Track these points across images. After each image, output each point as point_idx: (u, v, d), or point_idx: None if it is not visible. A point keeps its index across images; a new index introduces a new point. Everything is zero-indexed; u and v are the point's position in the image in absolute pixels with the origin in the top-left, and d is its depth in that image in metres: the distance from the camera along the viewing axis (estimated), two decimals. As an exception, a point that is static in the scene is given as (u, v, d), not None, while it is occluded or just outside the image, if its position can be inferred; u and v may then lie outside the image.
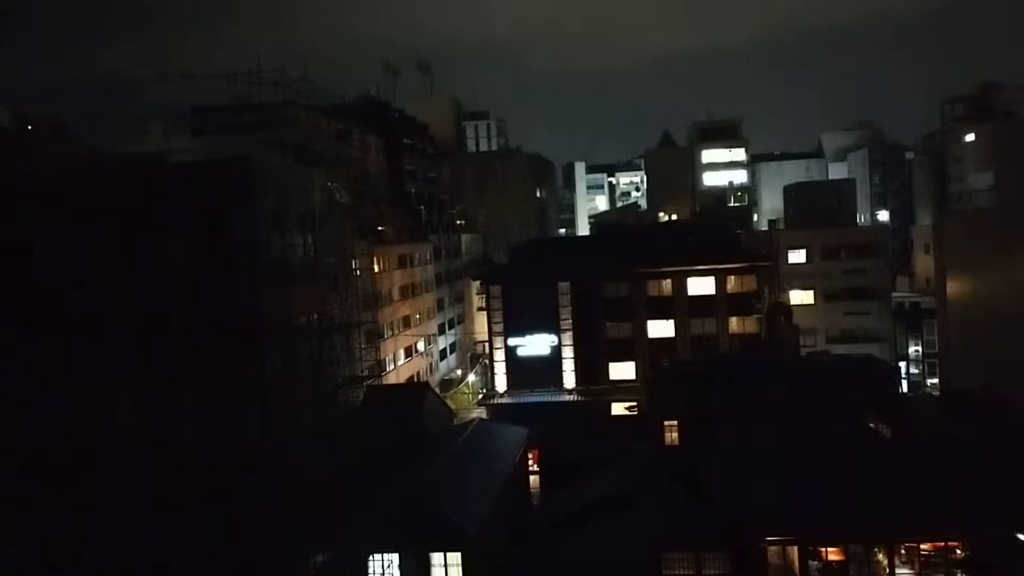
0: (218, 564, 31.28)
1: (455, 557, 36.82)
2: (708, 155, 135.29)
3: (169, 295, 32.08)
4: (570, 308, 76.12)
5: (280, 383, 33.07)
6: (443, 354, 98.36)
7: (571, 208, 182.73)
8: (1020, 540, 34.45)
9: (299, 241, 35.80)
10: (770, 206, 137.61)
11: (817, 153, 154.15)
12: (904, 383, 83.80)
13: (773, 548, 36.09)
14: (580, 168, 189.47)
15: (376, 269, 73.99)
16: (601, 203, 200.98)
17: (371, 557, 36.80)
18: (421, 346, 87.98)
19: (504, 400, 75.22)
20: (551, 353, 76.09)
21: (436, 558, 37.02)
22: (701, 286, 75.66)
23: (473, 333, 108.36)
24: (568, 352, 76.14)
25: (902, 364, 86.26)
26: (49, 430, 32.49)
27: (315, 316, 36.94)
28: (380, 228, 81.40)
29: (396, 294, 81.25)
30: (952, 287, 78.66)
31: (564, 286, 76.21)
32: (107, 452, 32.33)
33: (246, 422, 32.00)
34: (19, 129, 69.28)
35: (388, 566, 36.98)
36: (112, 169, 34.90)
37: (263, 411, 32.17)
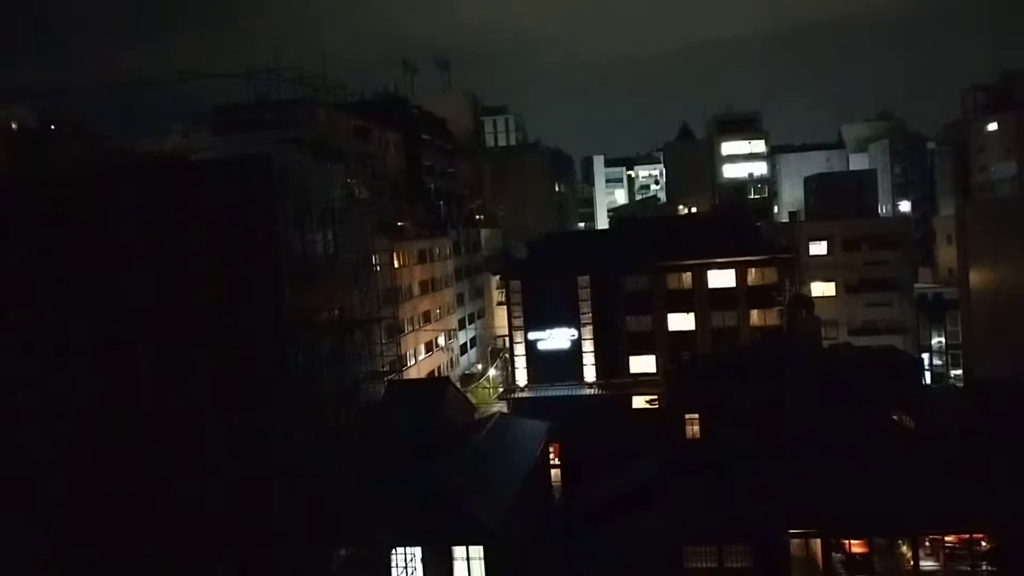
0: (242, 560, 31.53)
1: (477, 551, 36.96)
2: (727, 147, 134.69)
3: (190, 292, 32.30)
4: (590, 302, 76.06)
5: (302, 379, 33.22)
6: (463, 349, 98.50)
7: (590, 202, 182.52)
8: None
9: (319, 237, 35.87)
10: (790, 198, 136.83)
11: (838, 144, 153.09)
12: (927, 375, 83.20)
13: (796, 541, 36.04)
14: (599, 162, 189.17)
15: (396, 265, 74.09)
16: (620, 196, 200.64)
17: (394, 551, 36.98)
18: (441, 341, 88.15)
19: (525, 394, 75.30)
20: (571, 347, 76.08)
21: (458, 552, 37.19)
22: (721, 279, 75.42)
23: (493, 327, 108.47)
24: (588, 346, 76.10)
25: (925, 356, 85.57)
26: (71, 427, 32.85)
27: (336, 312, 37.02)
28: (399, 224, 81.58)
29: (416, 289, 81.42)
30: (975, 278, 78.04)
31: (584, 280, 76.16)
32: (129, 451, 32.64)
33: (268, 418, 32.20)
34: (43, 128, 69.94)
35: (411, 560, 37.16)
36: (133, 167, 35.18)
37: (285, 407, 32.34)
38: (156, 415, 32.36)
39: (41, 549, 32.66)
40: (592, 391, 74.75)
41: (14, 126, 75.76)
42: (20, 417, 33.44)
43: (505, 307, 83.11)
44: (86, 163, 40.01)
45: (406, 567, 36.95)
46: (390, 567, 36.89)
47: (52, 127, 68.54)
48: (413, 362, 77.34)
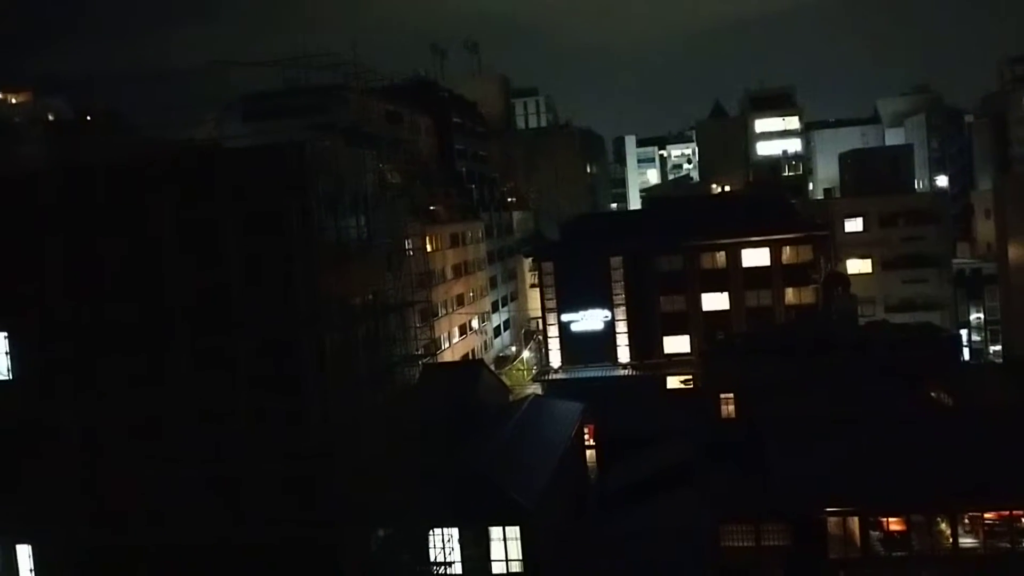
0: (281, 541, 32.05)
1: (513, 531, 37.22)
2: (761, 124, 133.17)
3: (227, 279, 32.74)
4: (623, 283, 75.92)
5: (338, 363, 33.58)
6: (497, 331, 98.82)
7: (622, 182, 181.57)
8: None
9: (353, 223, 36.15)
10: (825, 174, 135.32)
11: (873, 119, 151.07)
12: (966, 351, 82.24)
13: (833, 519, 35.88)
14: (631, 142, 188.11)
15: (429, 248, 74.46)
16: (652, 176, 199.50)
17: (431, 532, 37.36)
18: (475, 324, 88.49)
19: (559, 376, 75.46)
20: (605, 328, 76.03)
21: (495, 532, 37.47)
22: (756, 257, 74.91)
23: (526, 310, 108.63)
24: (622, 327, 76.01)
25: (963, 332, 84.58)
26: (110, 413, 33.49)
27: (370, 296, 37.34)
28: (432, 208, 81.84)
29: (449, 273, 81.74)
30: (1014, 252, 76.90)
31: (616, 261, 75.99)
32: (168, 435, 33.23)
33: (306, 402, 32.61)
34: (79, 119, 70.98)
35: (448, 540, 37.51)
36: (168, 156, 35.63)
37: (322, 391, 32.73)
38: (194, 399, 32.88)
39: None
40: (626, 372, 74.74)
41: (51, 117, 76.99)
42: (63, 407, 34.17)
43: (538, 289, 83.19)
44: (120, 153, 40.57)
45: (444, 547, 37.32)
46: (428, 547, 37.28)
47: (87, 118, 69.57)
48: (447, 345, 77.73)
